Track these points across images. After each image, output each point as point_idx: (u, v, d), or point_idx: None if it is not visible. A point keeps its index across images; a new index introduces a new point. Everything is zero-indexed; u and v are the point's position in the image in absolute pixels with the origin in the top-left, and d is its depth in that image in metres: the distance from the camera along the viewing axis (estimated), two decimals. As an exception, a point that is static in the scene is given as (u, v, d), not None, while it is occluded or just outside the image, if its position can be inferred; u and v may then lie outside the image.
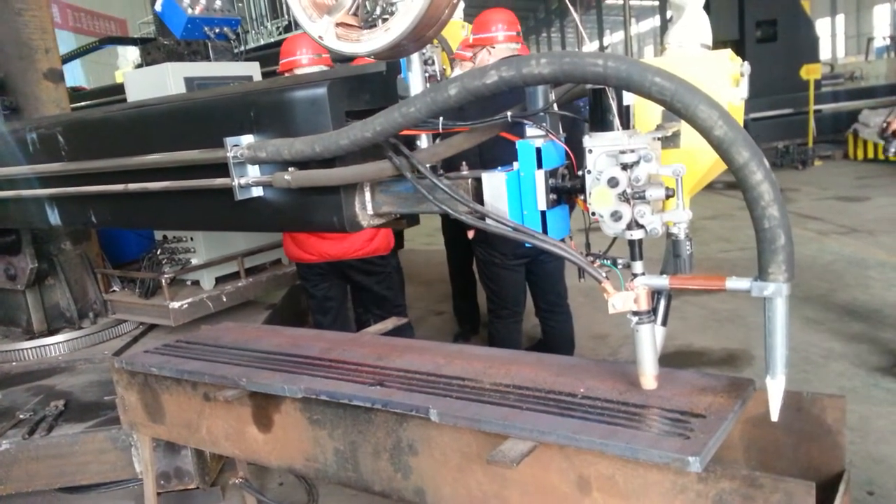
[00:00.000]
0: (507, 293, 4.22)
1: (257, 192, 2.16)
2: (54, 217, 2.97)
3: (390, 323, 2.94)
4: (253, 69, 4.40)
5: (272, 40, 9.64)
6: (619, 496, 1.65)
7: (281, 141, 2.00)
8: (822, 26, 34.66)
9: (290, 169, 2.02)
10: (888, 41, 22.54)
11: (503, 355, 2.27)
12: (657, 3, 31.03)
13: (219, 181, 2.16)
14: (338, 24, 1.83)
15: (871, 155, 12.39)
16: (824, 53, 26.49)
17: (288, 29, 9.58)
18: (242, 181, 2.11)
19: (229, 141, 2.08)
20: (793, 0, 13.62)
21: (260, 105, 2.11)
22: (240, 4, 9.88)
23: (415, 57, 1.95)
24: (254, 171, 2.14)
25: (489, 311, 4.44)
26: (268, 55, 8.09)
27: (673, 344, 4.97)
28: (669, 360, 4.74)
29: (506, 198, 1.83)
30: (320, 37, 1.84)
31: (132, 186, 2.47)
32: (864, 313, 5.16)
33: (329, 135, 1.89)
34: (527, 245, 1.77)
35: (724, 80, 1.79)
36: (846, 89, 14.77)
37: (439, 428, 1.90)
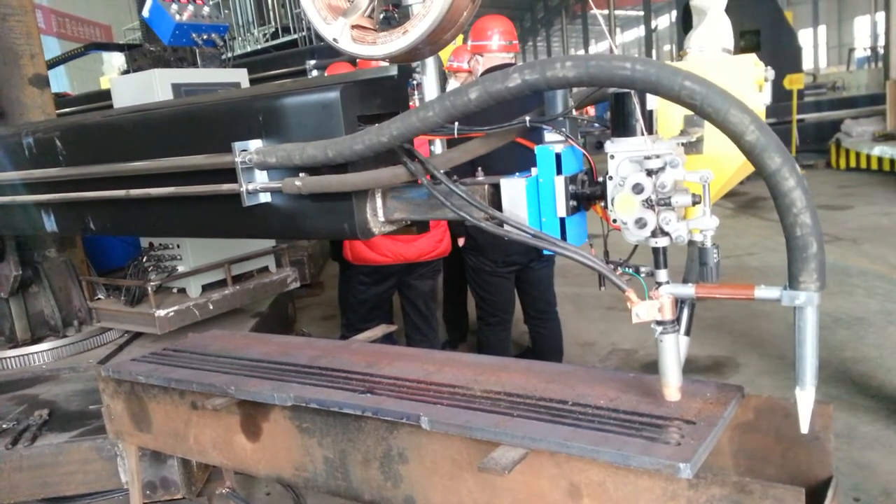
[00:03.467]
0: (497, 300, 4.23)
1: (265, 198, 2.12)
2: (50, 223, 2.93)
3: (379, 331, 2.93)
4: (241, 76, 4.38)
5: (259, 47, 9.63)
6: (609, 503, 1.66)
7: (292, 146, 1.96)
8: (804, 37, 35.11)
9: (300, 174, 1.98)
10: (869, 52, 22.89)
11: (493, 362, 2.27)
12: (642, 14, 31.30)
13: (226, 187, 2.13)
14: (353, 27, 1.80)
15: (853, 164, 12.55)
16: (807, 63, 26.86)
17: (275, 36, 9.58)
18: (250, 187, 2.08)
19: (237, 145, 2.04)
20: (776, 10, 13.82)
21: (269, 109, 2.08)
22: (226, 11, 9.85)
23: (430, 61, 1.93)
24: (262, 177, 2.10)
25: (478, 318, 4.44)
26: (255, 62, 8.12)
27: (660, 351, 4.99)
28: (657, 367, 4.75)
29: (525, 204, 1.80)
30: (335, 39, 1.81)
31: (134, 192, 2.43)
32: (848, 321, 5.21)
33: (343, 139, 1.85)
34: (546, 252, 1.72)
35: (748, 85, 1.76)
36: (828, 99, 14.98)
37: (430, 435, 1.89)
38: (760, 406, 1.90)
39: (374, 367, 2.31)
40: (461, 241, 4.24)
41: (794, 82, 12.70)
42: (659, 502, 1.59)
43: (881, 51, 17.40)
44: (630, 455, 1.56)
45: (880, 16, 23.69)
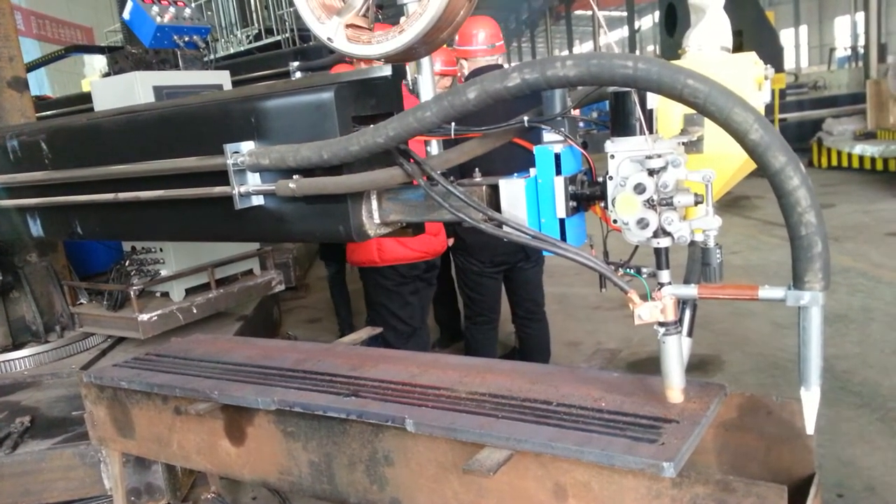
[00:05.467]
0: (484, 300, 4.24)
1: (258, 200, 2.09)
2: (36, 228, 2.87)
3: (364, 333, 2.92)
4: (223, 78, 4.35)
5: (242, 49, 9.58)
6: (594, 503, 1.66)
7: (285, 147, 1.93)
8: (786, 37, 35.44)
9: (294, 177, 1.95)
10: (850, 51, 23.13)
11: (478, 364, 2.27)
12: (625, 14, 31.42)
13: (217, 189, 2.09)
14: (347, 26, 1.78)
15: (834, 162, 12.68)
16: (788, 63, 27.07)
17: (258, 37, 9.53)
18: (243, 189, 2.04)
19: (229, 147, 2.01)
20: (758, 11, 13.95)
21: (261, 110, 2.05)
22: (209, 13, 9.79)
23: (425, 61, 1.91)
24: (254, 179, 2.06)
25: (466, 317, 4.46)
26: (238, 63, 8.07)
27: (644, 350, 5.02)
28: (641, 366, 4.78)
29: (524, 205, 1.77)
30: (329, 38, 1.78)
31: (123, 196, 2.38)
32: (830, 318, 5.26)
33: (338, 140, 1.82)
34: (545, 252, 1.70)
35: (748, 83, 1.74)
36: (810, 98, 15.15)
37: (415, 438, 1.89)
38: (743, 404, 1.92)
39: (359, 370, 2.30)
40: (449, 242, 4.25)
41: (775, 82, 12.80)
42: (644, 501, 1.60)
43: (861, 50, 17.60)
44: (614, 455, 1.56)
45: (860, 16, 23.95)
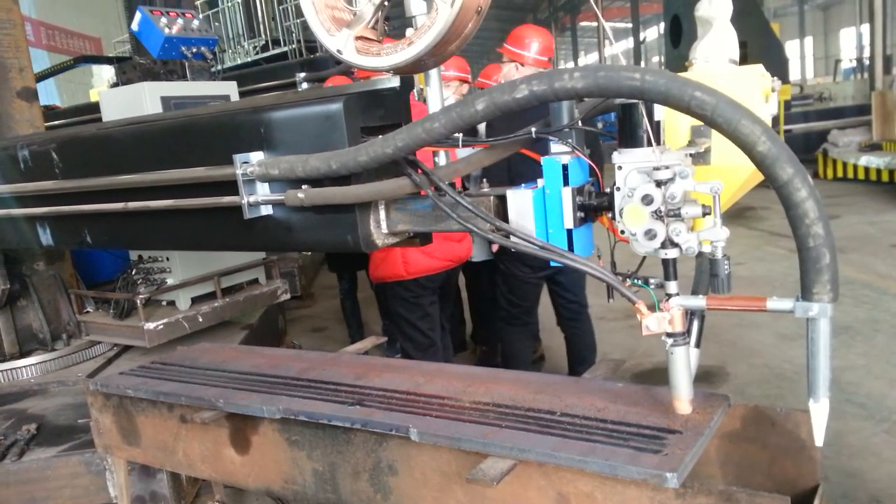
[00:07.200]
0: (524, 304, 4.23)
1: (266, 210, 2.10)
2: (46, 237, 2.90)
3: (369, 342, 2.93)
4: (231, 88, 4.39)
5: (249, 59, 9.65)
6: (598, 513, 1.66)
7: (295, 158, 1.94)
8: (791, 48, 35.45)
9: (303, 187, 1.96)
10: (855, 63, 23.14)
11: (482, 374, 2.28)
12: (630, 26, 31.54)
13: (226, 199, 2.11)
14: (357, 38, 1.80)
15: (840, 174, 12.65)
16: (794, 74, 27.09)
17: (265, 48, 9.60)
18: (252, 199, 2.05)
19: (238, 158, 2.03)
20: (763, 22, 13.95)
21: (271, 121, 2.07)
22: (216, 24, 9.87)
23: (433, 72, 1.93)
24: (263, 190, 2.08)
25: (500, 318, 4.40)
26: (245, 74, 8.13)
27: (650, 361, 5.01)
28: (646, 376, 4.77)
29: (532, 216, 1.79)
30: (339, 51, 1.80)
31: (132, 205, 2.40)
32: (836, 329, 5.24)
33: (346, 151, 1.83)
34: (553, 263, 1.71)
35: (756, 95, 1.75)
36: (815, 110, 15.13)
37: (419, 447, 1.90)
38: (747, 415, 1.92)
39: (364, 379, 2.31)
40: (494, 247, 4.24)
41: (781, 93, 12.80)
42: (647, 512, 1.60)
43: (867, 62, 17.61)
44: (617, 465, 1.57)
45: (865, 27, 23.99)
